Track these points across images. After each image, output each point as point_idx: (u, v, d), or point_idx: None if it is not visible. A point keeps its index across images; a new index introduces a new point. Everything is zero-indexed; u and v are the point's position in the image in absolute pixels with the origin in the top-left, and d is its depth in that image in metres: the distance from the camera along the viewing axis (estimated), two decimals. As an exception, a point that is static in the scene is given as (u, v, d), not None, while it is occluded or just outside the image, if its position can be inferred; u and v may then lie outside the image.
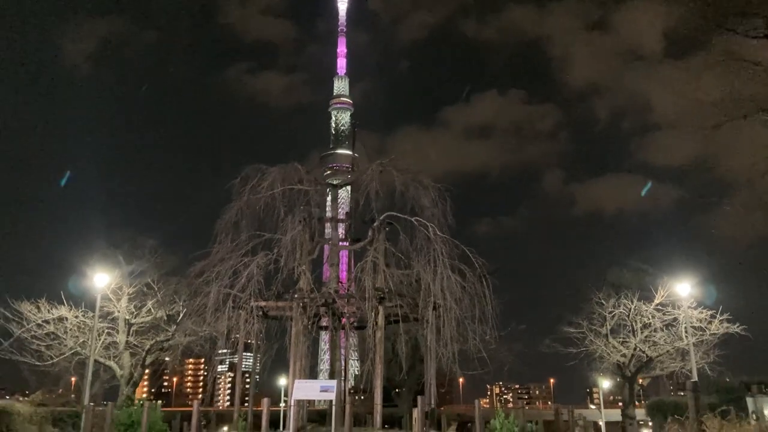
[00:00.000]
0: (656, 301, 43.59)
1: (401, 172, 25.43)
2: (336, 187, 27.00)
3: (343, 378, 25.39)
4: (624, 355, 44.57)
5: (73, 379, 45.80)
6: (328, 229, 27.15)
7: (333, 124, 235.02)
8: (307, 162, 27.05)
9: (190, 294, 26.11)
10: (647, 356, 43.86)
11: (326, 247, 26.71)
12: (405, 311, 23.37)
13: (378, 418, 22.60)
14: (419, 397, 20.67)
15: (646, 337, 44.03)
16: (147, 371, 49.31)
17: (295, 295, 22.72)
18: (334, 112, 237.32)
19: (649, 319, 43.59)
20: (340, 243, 25.80)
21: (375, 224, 25.24)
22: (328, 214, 28.01)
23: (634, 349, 43.93)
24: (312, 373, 26.35)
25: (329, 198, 28.87)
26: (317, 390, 17.40)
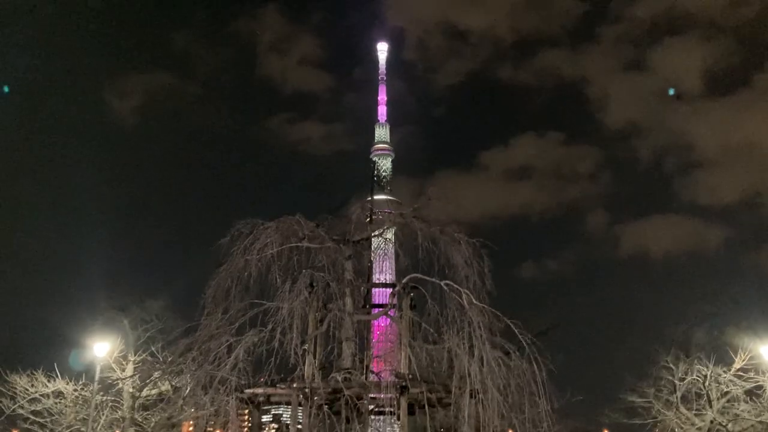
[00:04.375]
0: (736, 366, 37.46)
1: (427, 224, 20.93)
2: (356, 244, 22.42)
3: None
4: (700, 429, 38.25)
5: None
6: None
7: (375, 171, 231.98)
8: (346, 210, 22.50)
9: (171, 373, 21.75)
10: (728, 431, 37.49)
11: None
12: (433, 398, 18.52)
13: None
14: None
15: (724, 407, 37.78)
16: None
17: (294, 384, 18.11)
18: (375, 159, 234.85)
19: (727, 387, 37.41)
20: (355, 312, 21.11)
21: (396, 289, 20.70)
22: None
23: (711, 422, 37.62)
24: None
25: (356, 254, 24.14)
26: None
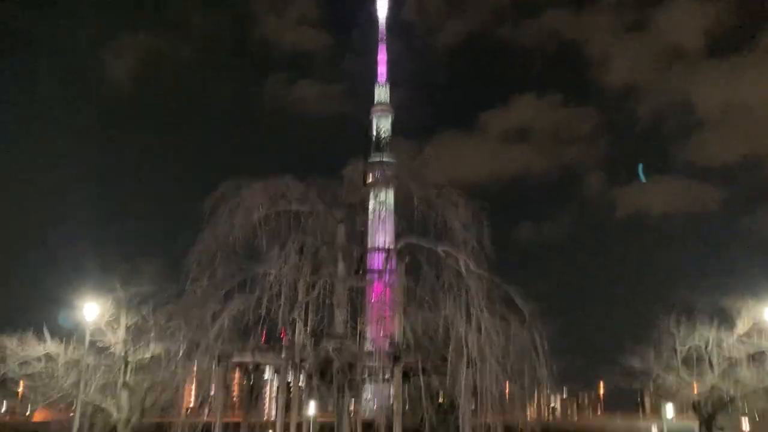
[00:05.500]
0: (739, 331, 36.78)
1: (424, 186, 19.84)
2: (349, 207, 21.30)
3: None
4: (700, 393, 37.72)
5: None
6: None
7: (374, 132, 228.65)
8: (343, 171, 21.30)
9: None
10: (729, 395, 36.96)
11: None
12: (429, 366, 17.74)
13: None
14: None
15: (725, 371, 37.18)
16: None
17: (283, 353, 17.27)
18: (375, 119, 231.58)
19: (730, 352, 36.75)
20: (351, 278, 20.14)
21: (390, 254, 19.75)
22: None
23: (712, 386, 37.06)
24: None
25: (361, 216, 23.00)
26: None
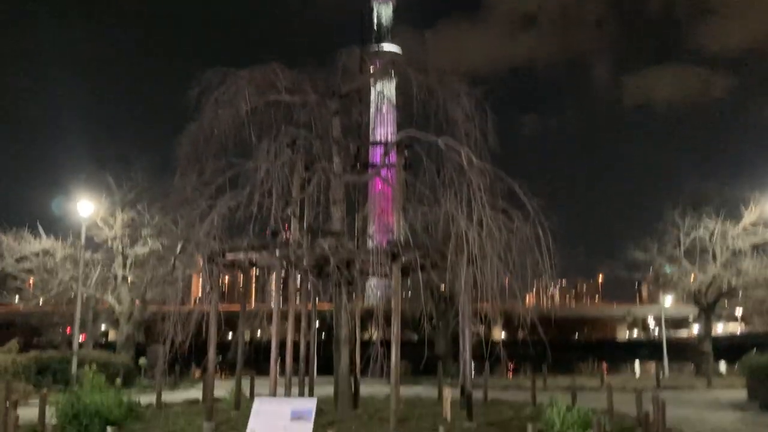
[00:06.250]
0: (745, 220, 36.28)
1: (422, 72, 18.43)
2: (345, 97, 19.93)
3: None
4: (702, 282, 37.77)
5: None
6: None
7: (375, 20, 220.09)
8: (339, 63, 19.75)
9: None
10: (730, 285, 36.99)
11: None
12: (427, 264, 17.09)
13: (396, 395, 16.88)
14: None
15: (728, 260, 37.03)
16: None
17: (277, 250, 16.56)
18: (375, 6, 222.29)
19: (734, 242, 36.40)
20: (345, 173, 19.11)
21: (388, 147, 18.65)
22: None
23: (714, 276, 37.02)
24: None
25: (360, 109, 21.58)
26: (286, 417, 11.52)
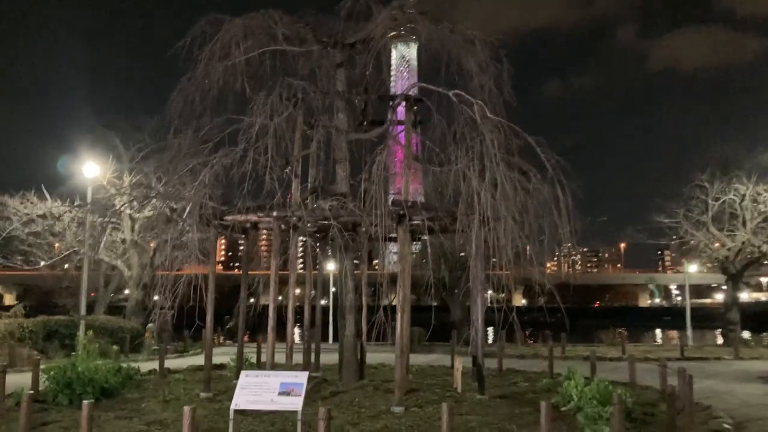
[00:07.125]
0: (779, 184, 34.55)
1: (433, 21, 17.02)
2: (350, 47, 18.53)
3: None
4: (730, 249, 36.22)
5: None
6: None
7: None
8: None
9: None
10: (760, 251, 35.40)
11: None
12: (436, 227, 15.86)
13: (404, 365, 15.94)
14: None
15: (758, 227, 35.40)
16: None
17: (273, 212, 15.48)
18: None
19: (765, 207, 34.74)
20: (348, 130, 17.87)
21: (396, 101, 17.36)
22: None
23: (743, 242, 35.45)
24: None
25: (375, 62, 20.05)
26: (274, 391, 10.50)
